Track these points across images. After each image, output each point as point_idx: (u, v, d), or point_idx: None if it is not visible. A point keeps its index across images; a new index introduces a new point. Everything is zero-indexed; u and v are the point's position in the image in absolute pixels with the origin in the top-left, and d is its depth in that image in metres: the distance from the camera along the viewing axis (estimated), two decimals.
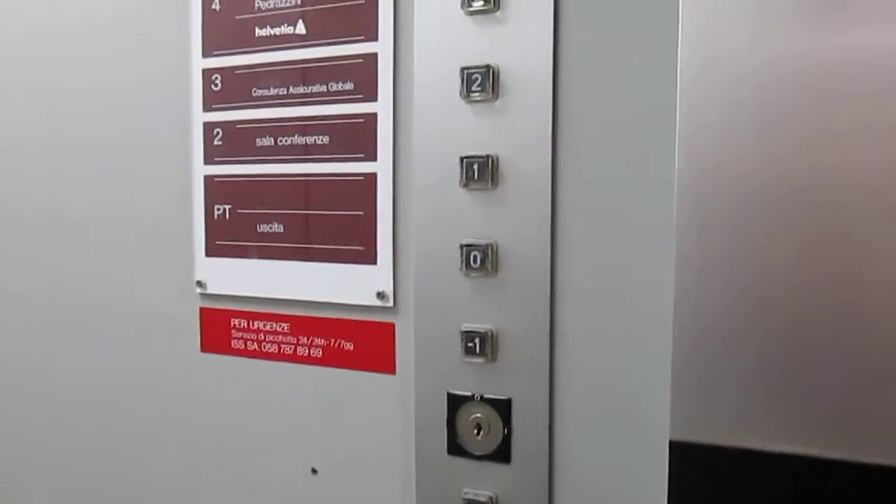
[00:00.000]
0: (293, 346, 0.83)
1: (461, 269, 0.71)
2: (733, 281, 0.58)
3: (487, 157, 0.69)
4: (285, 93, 0.80)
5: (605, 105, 0.65)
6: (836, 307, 0.55)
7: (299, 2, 0.78)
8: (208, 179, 0.85)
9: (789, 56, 0.56)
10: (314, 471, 0.83)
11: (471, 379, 0.72)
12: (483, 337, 0.70)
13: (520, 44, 0.67)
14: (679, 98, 0.58)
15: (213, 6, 0.84)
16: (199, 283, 0.87)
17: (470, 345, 0.71)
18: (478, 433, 0.72)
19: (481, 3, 0.68)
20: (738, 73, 0.57)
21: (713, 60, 0.58)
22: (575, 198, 0.67)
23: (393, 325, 0.77)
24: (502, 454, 0.71)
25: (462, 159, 0.70)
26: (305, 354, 0.82)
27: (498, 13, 0.68)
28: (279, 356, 0.83)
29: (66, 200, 0.96)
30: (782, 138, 0.56)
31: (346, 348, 0.79)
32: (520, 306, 0.69)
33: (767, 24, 0.56)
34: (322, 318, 0.81)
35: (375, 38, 0.75)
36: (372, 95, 0.75)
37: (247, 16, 0.81)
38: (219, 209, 0.85)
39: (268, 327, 0.84)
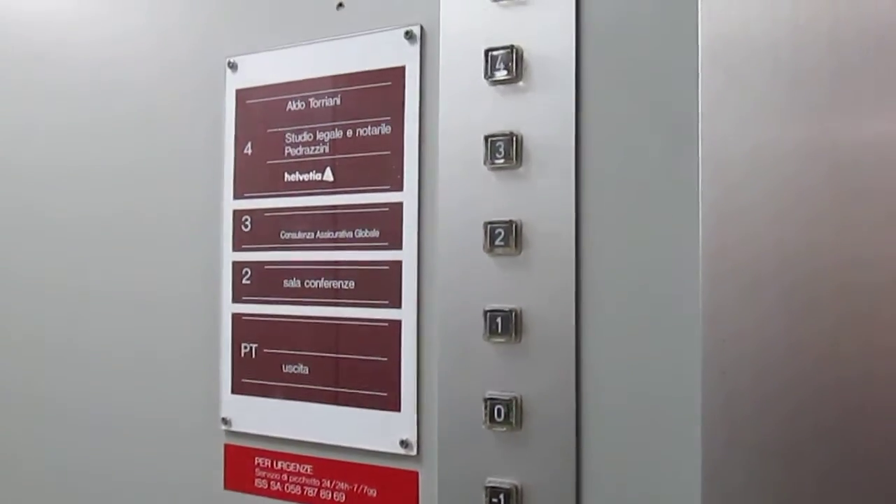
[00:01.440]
0: (316, 489, 0.82)
1: (485, 421, 0.70)
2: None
3: (511, 310, 0.69)
4: (313, 237, 0.81)
5: (627, 182, 0.66)
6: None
7: (327, 150, 0.81)
8: (236, 317, 0.87)
9: (810, 140, 0.56)
10: None
11: None
12: (507, 493, 0.69)
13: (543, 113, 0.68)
14: (701, 168, 0.59)
15: (246, 150, 0.86)
16: (225, 421, 0.87)
17: (494, 500, 0.70)
18: None
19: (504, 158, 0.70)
20: (762, 151, 0.57)
21: (733, 136, 0.58)
22: (599, 347, 0.67)
23: (416, 474, 0.76)
24: None
25: (486, 312, 0.70)
26: (329, 498, 0.81)
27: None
28: (302, 498, 0.83)
29: (92, 334, 0.98)
30: (804, 219, 0.56)
31: (369, 494, 0.78)
32: (545, 462, 0.68)
33: (792, 111, 0.56)
34: (346, 463, 0.80)
35: (400, 189, 0.76)
36: (397, 244, 0.76)
37: (277, 161, 0.84)
38: (246, 347, 0.86)
39: (291, 468, 0.83)
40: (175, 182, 0.92)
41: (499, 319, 0.70)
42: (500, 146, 0.70)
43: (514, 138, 0.69)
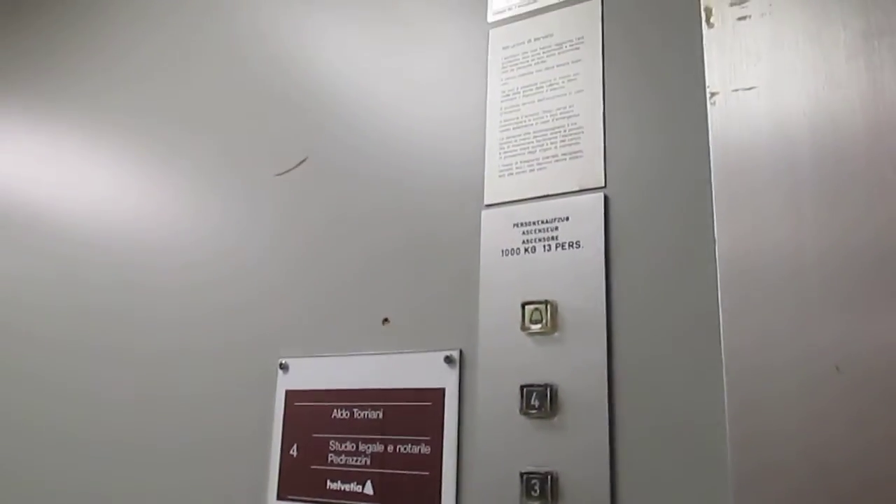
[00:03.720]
0: None
1: None
2: None
3: None
4: None
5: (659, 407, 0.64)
6: None
7: (369, 462, 0.83)
8: None
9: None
10: None
11: None
12: None
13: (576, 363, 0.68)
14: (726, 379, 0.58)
15: (292, 452, 0.89)
16: None
17: None
18: None
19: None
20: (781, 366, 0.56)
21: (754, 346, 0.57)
22: None
23: None
24: None
25: None
26: None
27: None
28: None
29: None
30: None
31: None
32: None
33: (801, 323, 0.56)
34: None
35: None
36: None
37: (321, 467, 0.86)
38: None
39: None
40: (221, 471, 0.95)
41: None
42: (535, 484, 0.71)
43: (549, 476, 0.71)
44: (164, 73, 1.23)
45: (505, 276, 0.79)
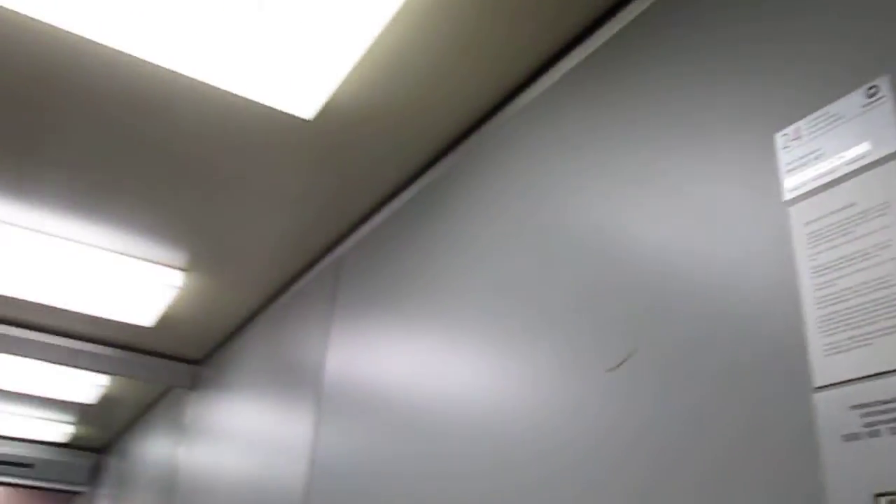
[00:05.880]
0: None
1: None
2: None
3: None
4: None
5: None
6: None
7: None
8: None
9: None
10: None
11: None
12: None
13: None
14: None
15: None
16: None
17: None
18: None
19: None
20: None
21: None
22: None
23: None
24: None
25: None
26: None
27: None
28: None
29: None
30: None
31: None
32: None
33: None
34: None
35: None
36: None
37: None
38: None
39: None
40: None
41: None
42: None
43: None
44: (494, 270, 1.41)
45: (848, 465, 0.77)
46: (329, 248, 2.31)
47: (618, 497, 1.04)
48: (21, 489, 6.75)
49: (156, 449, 4.18)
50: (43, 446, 6.17)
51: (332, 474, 1.88)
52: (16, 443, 6.08)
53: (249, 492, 2.46)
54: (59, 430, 5.41)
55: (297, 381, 2.31)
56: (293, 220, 2.15)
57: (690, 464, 0.95)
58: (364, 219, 2.12)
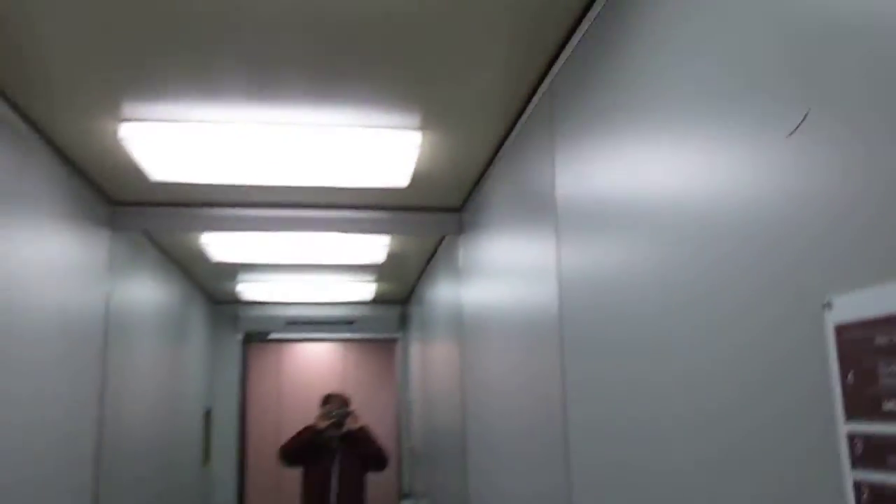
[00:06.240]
0: None
1: None
2: None
3: None
4: None
5: None
6: None
7: None
8: None
9: None
10: None
11: None
12: None
13: None
14: None
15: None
16: None
17: None
18: None
19: None
20: None
21: None
22: None
23: None
24: None
25: None
26: None
27: None
28: None
29: None
30: None
31: None
32: None
33: None
34: None
35: None
36: None
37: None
38: None
39: None
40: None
41: None
42: None
43: None
44: (695, 63, 1.43)
45: None
46: (540, 81, 2.40)
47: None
48: (348, 343, 7.94)
49: (442, 292, 4.71)
50: (358, 305, 7.17)
51: (578, 288, 2.08)
52: (338, 306, 7.13)
53: (517, 315, 2.76)
54: (367, 288, 6.24)
55: (536, 209, 2.50)
56: (503, 65, 2.28)
57: None
58: (562, 45, 2.17)
